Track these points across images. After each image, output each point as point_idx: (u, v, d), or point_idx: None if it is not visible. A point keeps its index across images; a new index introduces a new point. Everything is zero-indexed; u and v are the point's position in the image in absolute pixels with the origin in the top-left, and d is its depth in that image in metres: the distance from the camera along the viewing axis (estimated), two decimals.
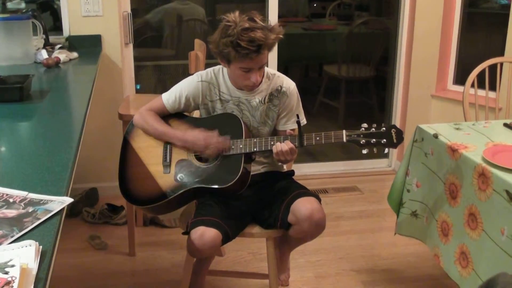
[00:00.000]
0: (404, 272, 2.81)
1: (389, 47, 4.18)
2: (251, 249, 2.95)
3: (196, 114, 2.37)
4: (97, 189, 3.48)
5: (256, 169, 2.28)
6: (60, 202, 1.32)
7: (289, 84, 2.24)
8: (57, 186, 1.42)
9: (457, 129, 2.44)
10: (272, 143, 2.07)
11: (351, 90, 5.02)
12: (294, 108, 2.26)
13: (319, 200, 2.16)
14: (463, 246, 2.15)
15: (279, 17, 5.21)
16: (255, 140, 2.11)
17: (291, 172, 2.38)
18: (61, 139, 1.78)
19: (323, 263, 2.88)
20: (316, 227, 2.09)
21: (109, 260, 2.90)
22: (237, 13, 2.03)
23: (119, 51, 3.40)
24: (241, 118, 2.18)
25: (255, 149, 2.10)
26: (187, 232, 2.07)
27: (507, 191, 1.89)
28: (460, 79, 3.80)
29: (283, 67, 5.36)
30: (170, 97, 2.23)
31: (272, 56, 3.81)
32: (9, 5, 3.74)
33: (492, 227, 1.98)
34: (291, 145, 2.02)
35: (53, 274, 2.81)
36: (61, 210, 1.31)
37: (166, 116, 2.26)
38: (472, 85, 2.99)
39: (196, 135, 2.14)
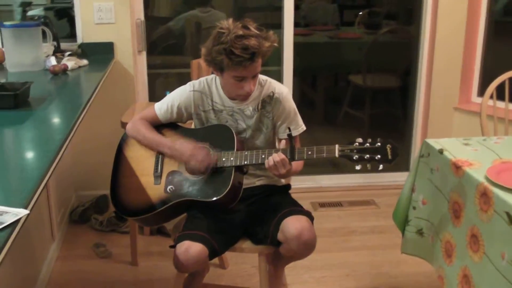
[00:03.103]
0: None
1: (411, 56, 4.05)
2: (255, 262, 2.83)
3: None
4: (107, 196, 3.47)
5: (250, 182, 2.22)
6: (15, 214, 1.28)
7: (281, 90, 2.17)
8: (19, 197, 1.38)
9: (466, 144, 2.32)
10: (263, 156, 2.01)
11: (376, 100, 4.90)
12: (291, 114, 2.18)
13: (312, 218, 2.08)
14: (466, 268, 2.03)
15: (306, 25, 5.17)
16: (246, 153, 2.05)
17: (287, 187, 2.31)
18: (41, 148, 1.75)
19: (328, 280, 2.78)
20: (304, 247, 2.01)
21: (112, 269, 2.88)
22: (230, 20, 1.99)
23: (131, 59, 3.39)
24: (234, 129, 2.13)
25: (245, 162, 2.03)
26: (174, 246, 2.03)
27: (507, 213, 1.77)
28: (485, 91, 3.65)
29: (310, 76, 5.31)
30: (163, 107, 2.20)
31: (288, 65, 3.73)
32: (30, 12, 3.79)
33: (493, 250, 1.86)
34: (282, 156, 1.95)
35: (53, 281, 2.82)
36: (15, 223, 1.26)
37: (159, 126, 2.23)
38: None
39: (184, 145, 2.09)
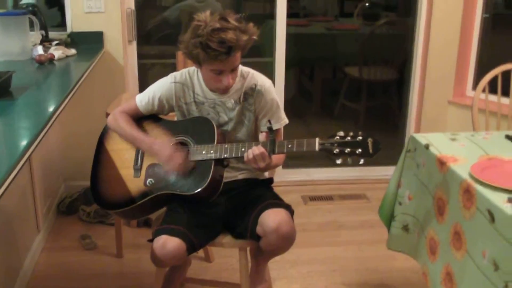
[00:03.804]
0: None
1: (406, 48, 4.00)
2: None
3: None
4: None
5: (232, 175, 2.18)
6: None
7: (264, 82, 2.13)
8: None
9: (453, 139, 2.28)
10: (243, 149, 1.97)
11: (373, 93, 4.86)
12: (273, 108, 2.14)
13: (292, 212, 2.05)
14: (448, 266, 2.00)
15: (306, 15, 5.12)
16: (226, 146, 2.01)
17: (270, 180, 2.28)
18: (14, 140, 1.71)
19: (314, 275, 2.75)
20: (283, 241, 1.97)
21: (96, 261, 2.86)
22: (208, 12, 1.94)
23: (121, 48, 3.35)
24: (215, 122, 2.09)
25: (225, 155, 2.00)
26: (152, 240, 2.00)
27: (489, 211, 1.73)
28: None
29: (307, 68, 5.27)
30: (144, 99, 2.16)
31: (280, 56, 3.68)
32: (24, 0, 3.73)
33: (475, 248, 1.83)
34: (262, 149, 1.91)
35: (37, 272, 2.79)
36: None
37: (141, 118, 2.19)
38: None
39: (163, 147, 2.05)
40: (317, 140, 1.89)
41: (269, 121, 1.97)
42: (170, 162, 2.01)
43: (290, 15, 5.11)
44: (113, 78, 3.39)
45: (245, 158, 1.93)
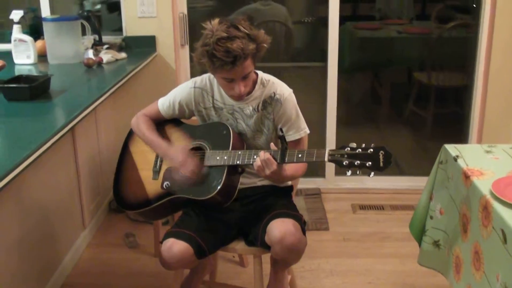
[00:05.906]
0: None
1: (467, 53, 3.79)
2: None
3: None
4: None
5: (251, 181, 2.16)
6: None
7: (283, 91, 2.09)
8: None
9: (488, 152, 2.13)
10: (255, 156, 1.94)
11: (443, 99, 4.64)
12: (293, 117, 2.09)
13: (301, 223, 1.99)
14: (470, 287, 1.87)
15: (381, 18, 4.99)
16: (239, 152, 1.99)
17: (289, 188, 2.23)
18: (27, 141, 1.80)
19: (347, 286, 2.67)
20: (288, 252, 1.93)
21: (135, 260, 2.93)
22: (216, 20, 1.92)
23: (173, 52, 3.42)
24: (233, 128, 2.08)
25: (237, 162, 1.98)
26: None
27: (502, 231, 1.61)
28: None
29: (379, 72, 5.13)
30: (165, 103, 2.19)
31: (332, 61, 3.59)
32: (86, 5, 3.92)
33: (491, 270, 1.71)
34: (268, 155, 1.87)
35: (78, 268, 2.89)
36: None
37: (163, 122, 2.22)
38: None
39: (177, 153, 2.06)
40: (327, 151, 1.83)
41: (281, 130, 1.92)
42: (183, 168, 2.02)
43: (365, 18, 5.00)
44: (165, 81, 3.46)
45: (255, 166, 1.91)
